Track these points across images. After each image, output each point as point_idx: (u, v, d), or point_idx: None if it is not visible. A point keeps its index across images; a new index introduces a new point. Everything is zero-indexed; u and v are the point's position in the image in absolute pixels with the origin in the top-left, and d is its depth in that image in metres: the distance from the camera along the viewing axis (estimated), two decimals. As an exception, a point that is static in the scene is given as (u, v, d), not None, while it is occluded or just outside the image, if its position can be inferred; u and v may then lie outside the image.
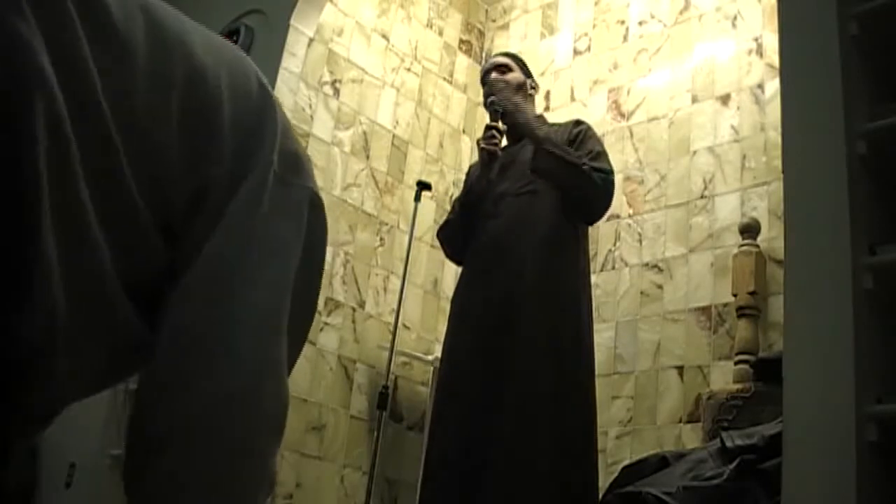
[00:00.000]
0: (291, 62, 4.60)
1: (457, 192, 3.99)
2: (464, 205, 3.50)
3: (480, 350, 3.11)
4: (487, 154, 3.34)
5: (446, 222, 3.60)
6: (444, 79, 5.53)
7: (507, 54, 3.74)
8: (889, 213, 2.31)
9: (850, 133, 2.24)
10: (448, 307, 3.51)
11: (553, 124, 3.59)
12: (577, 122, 3.48)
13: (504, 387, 2.99)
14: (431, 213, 5.10)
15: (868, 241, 2.18)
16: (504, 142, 3.47)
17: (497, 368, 3.03)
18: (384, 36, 5.17)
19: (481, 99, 5.24)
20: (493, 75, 3.56)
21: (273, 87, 4.42)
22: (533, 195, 3.28)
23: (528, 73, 3.64)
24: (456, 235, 3.52)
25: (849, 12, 2.34)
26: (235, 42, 4.90)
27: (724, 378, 3.79)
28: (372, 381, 4.62)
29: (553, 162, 3.19)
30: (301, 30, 4.66)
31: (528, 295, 3.11)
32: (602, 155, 3.32)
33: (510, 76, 3.55)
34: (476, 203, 3.43)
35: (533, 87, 3.62)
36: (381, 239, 4.89)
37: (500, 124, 3.39)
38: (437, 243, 5.08)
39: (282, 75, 4.54)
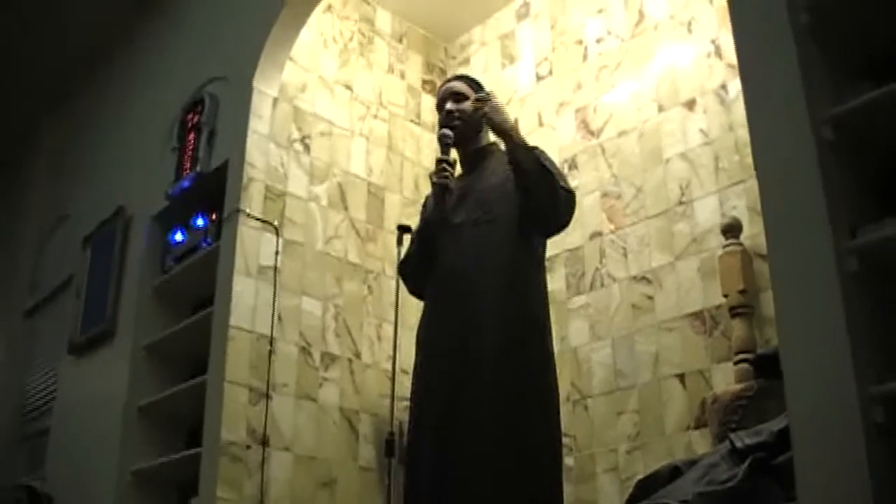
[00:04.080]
0: (259, 124, 4.61)
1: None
2: (422, 239, 3.49)
3: (446, 397, 3.09)
4: (441, 187, 3.32)
5: (406, 257, 3.57)
6: (412, 121, 5.55)
7: (461, 77, 3.69)
8: (865, 194, 2.31)
9: (815, 120, 2.25)
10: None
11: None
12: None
13: (460, 429, 2.99)
14: (414, 255, 5.10)
15: (848, 224, 2.18)
16: (458, 170, 3.46)
17: (459, 412, 3.02)
18: (347, 86, 5.19)
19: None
20: (448, 105, 3.53)
21: (244, 151, 4.45)
22: (490, 224, 3.25)
23: None
24: (416, 270, 3.50)
25: (799, 2, 2.36)
26: (200, 112, 4.92)
27: (725, 380, 3.78)
28: (377, 429, 4.60)
29: (530, 162, 3.18)
30: (264, 91, 4.68)
31: (490, 327, 3.09)
32: (563, 176, 3.31)
33: (466, 105, 3.51)
34: (433, 236, 3.41)
35: None
36: (369, 287, 4.89)
37: (450, 157, 3.37)
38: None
39: (251, 138, 4.56)
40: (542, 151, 3.31)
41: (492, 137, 3.54)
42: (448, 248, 3.32)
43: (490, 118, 3.31)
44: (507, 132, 3.26)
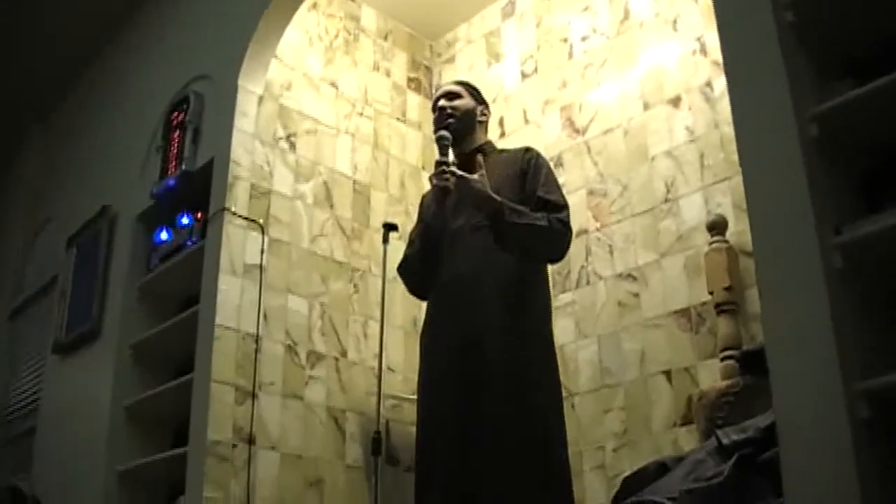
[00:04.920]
0: (244, 122, 4.60)
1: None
2: (424, 243, 3.47)
3: (456, 400, 3.08)
4: (441, 190, 3.30)
5: (405, 258, 3.55)
6: (398, 119, 5.55)
7: (459, 82, 3.71)
8: (850, 190, 2.32)
9: (800, 117, 2.25)
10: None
11: (503, 150, 3.58)
12: (527, 150, 3.44)
13: (479, 432, 2.99)
14: (401, 253, 5.08)
15: (833, 221, 2.19)
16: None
17: (472, 414, 3.02)
18: (333, 84, 5.18)
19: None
20: (441, 102, 3.53)
21: (229, 149, 4.43)
22: (489, 228, 3.25)
23: (479, 100, 3.60)
24: (417, 271, 3.48)
25: (783, 1, 2.36)
26: (185, 111, 4.90)
27: (712, 377, 3.78)
28: (364, 428, 4.59)
29: (517, 231, 3.16)
30: (250, 89, 4.66)
31: (496, 333, 3.09)
32: (556, 188, 3.32)
33: (458, 102, 3.51)
34: (434, 239, 3.41)
35: (484, 114, 3.59)
36: (355, 285, 4.88)
37: (449, 158, 3.36)
38: (411, 282, 5.09)
39: (236, 136, 4.53)
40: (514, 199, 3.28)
41: (487, 136, 3.57)
42: (447, 253, 3.32)
43: (466, 191, 3.25)
44: (483, 207, 3.22)
